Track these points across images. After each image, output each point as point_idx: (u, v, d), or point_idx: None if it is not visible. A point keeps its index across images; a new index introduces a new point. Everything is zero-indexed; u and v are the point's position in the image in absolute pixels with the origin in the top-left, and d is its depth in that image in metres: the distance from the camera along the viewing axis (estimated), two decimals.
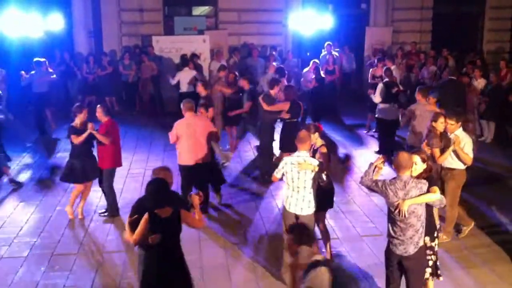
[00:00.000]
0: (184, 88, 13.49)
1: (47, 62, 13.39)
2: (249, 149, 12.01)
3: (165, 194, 4.88)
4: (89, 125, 7.95)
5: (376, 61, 14.08)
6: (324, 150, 6.79)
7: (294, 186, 6.26)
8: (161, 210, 4.81)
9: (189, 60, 14.09)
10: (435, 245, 5.82)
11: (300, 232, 4.78)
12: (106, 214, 8.43)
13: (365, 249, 7.36)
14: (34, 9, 13.26)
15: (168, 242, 4.91)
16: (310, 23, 16.30)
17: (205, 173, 8.50)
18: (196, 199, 5.12)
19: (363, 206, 8.88)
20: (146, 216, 4.71)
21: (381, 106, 11.33)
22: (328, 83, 14.45)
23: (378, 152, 11.15)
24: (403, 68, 16.42)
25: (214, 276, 6.66)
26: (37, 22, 13.34)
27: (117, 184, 8.80)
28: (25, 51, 14.57)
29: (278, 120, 10.28)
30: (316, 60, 14.16)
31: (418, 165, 5.43)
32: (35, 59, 13.17)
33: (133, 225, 4.84)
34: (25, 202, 9.04)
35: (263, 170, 10.02)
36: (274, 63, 14.24)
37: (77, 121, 8.09)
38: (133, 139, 12.87)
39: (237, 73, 12.39)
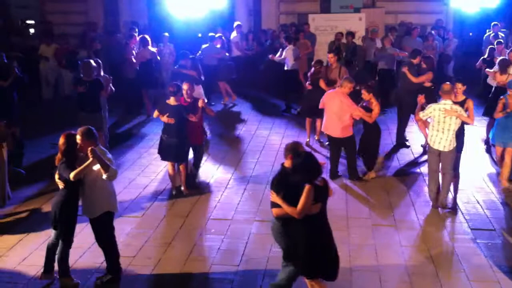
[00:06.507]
0: (289, 65, 13.26)
1: (223, 37, 14.34)
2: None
3: (319, 165, 5.18)
4: (200, 100, 8.36)
5: None
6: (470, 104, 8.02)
7: (439, 128, 7.56)
8: (319, 180, 5.16)
9: (294, 38, 13.90)
10: None
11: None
12: None
13: None
14: None
15: (325, 209, 5.28)
16: (473, 0, 15.31)
17: None
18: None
19: None
20: (309, 187, 5.01)
21: None
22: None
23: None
24: None
25: (361, 254, 6.73)
26: (202, 1, 14.16)
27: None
28: (190, 28, 15.59)
29: None
30: (501, 40, 13.33)
31: None
32: (210, 34, 14.15)
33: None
34: None
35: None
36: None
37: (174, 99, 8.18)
38: (272, 114, 13.42)
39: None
